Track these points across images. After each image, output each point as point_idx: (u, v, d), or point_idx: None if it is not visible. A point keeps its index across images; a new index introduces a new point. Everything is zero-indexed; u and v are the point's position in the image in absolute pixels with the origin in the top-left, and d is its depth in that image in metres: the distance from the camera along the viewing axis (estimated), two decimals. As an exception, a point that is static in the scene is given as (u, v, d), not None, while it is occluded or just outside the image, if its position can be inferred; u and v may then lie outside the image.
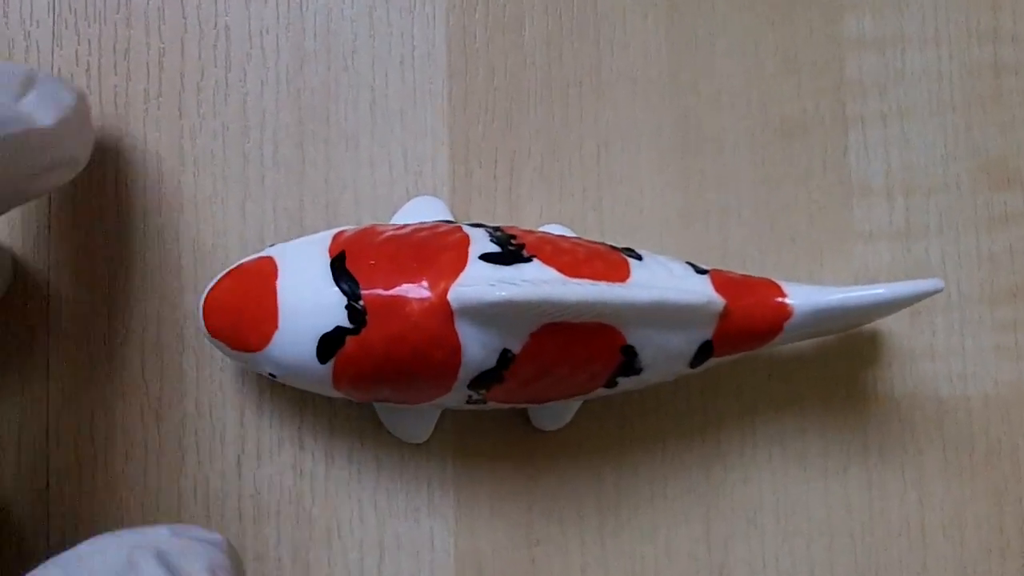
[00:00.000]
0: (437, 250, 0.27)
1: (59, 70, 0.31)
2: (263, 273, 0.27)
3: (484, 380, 0.27)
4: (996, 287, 0.31)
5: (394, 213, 0.31)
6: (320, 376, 0.27)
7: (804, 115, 0.32)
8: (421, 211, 0.30)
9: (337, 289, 0.26)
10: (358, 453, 0.30)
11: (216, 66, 0.31)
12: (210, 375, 0.30)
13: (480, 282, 0.26)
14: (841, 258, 0.31)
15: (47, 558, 0.23)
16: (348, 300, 0.26)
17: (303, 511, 0.30)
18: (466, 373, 0.26)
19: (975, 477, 0.31)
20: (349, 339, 0.26)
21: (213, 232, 0.31)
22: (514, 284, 0.25)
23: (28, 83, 0.27)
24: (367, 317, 0.26)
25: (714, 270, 0.28)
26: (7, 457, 0.30)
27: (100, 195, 0.31)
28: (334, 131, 0.31)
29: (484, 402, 0.28)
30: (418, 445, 0.30)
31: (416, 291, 0.26)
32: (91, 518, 0.30)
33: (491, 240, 0.27)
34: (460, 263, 0.26)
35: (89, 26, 0.31)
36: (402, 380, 0.27)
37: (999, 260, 0.32)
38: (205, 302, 0.28)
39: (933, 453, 0.31)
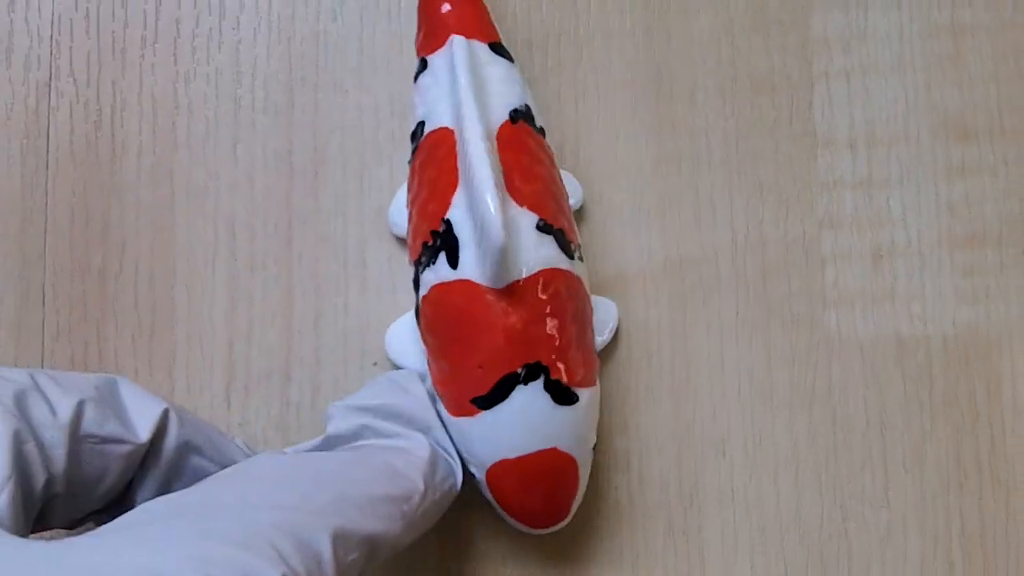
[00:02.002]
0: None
1: (59, 17, 0.33)
2: None
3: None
4: (954, 234, 0.33)
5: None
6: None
7: (772, 70, 0.33)
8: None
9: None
10: (343, 383, 0.32)
11: (210, 14, 0.33)
12: (200, 308, 0.32)
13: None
14: (806, 206, 0.33)
15: None
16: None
17: (289, 441, 0.31)
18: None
19: (934, 414, 0.32)
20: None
21: (205, 173, 0.32)
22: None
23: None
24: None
25: None
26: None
27: (97, 134, 0.32)
28: (323, 78, 0.33)
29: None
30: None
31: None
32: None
33: (425, 259, 0.28)
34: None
35: (89, -25, 0.33)
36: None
37: (957, 209, 0.33)
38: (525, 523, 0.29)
39: (894, 390, 0.32)
